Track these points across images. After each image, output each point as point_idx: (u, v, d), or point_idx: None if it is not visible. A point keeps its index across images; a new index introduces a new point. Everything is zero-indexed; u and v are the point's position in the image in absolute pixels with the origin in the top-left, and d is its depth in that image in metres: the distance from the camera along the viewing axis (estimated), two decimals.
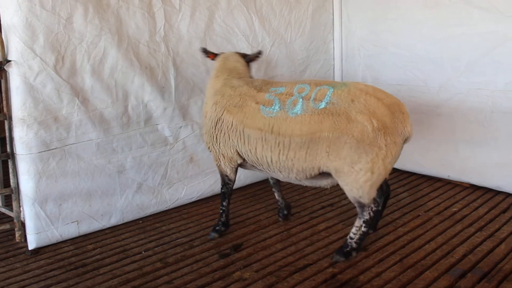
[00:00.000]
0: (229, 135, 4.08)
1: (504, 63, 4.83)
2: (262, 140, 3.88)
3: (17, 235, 4.25)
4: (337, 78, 6.32)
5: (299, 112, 3.75)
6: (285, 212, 4.64)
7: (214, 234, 4.31)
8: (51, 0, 3.92)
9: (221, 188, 4.35)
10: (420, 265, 3.70)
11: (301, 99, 3.79)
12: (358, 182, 3.65)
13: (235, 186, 5.27)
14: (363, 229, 3.81)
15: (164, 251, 4.06)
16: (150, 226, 4.60)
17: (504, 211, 4.67)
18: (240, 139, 4.02)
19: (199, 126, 4.97)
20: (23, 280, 3.64)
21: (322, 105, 3.70)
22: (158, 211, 4.86)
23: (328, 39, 6.24)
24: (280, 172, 3.95)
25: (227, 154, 4.15)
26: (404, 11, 5.60)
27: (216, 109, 4.14)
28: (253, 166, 4.15)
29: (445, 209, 4.78)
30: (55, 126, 4.08)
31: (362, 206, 3.76)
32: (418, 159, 5.75)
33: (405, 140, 3.83)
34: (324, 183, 3.98)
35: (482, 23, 4.93)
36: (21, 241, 4.23)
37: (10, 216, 4.37)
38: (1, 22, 3.90)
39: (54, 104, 4.07)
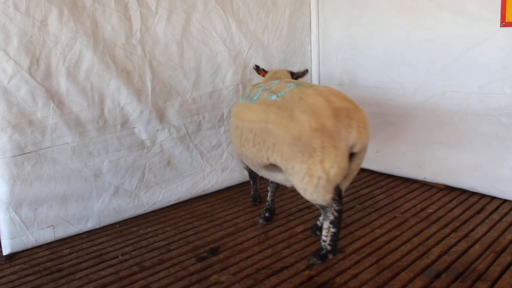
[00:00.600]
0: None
1: (477, 66, 4.91)
2: (232, 126, 4.27)
3: None
4: (315, 81, 6.36)
5: (254, 100, 3.95)
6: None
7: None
8: (25, 2, 3.88)
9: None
10: (396, 266, 3.74)
11: (261, 90, 3.96)
12: (302, 184, 3.61)
13: (212, 189, 5.32)
14: (332, 230, 3.74)
15: (141, 255, 4.03)
16: (127, 230, 4.56)
17: (478, 212, 4.73)
18: (231, 130, 4.34)
19: (176, 129, 4.96)
20: None
21: (274, 97, 3.76)
22: (135, 215, 4.83)
23: (305, 42, 6.27)
24: (247, 159, 4.13)
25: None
26: (379, 14, 5.65)
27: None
28: None
29: (421, 210, 4.83)
30: (30, 129, 4.04)
31: (322, 207, 3.72)
32: (394, 161, 5.81)
33: (356, 150, 3.64)
34: (280, 177, 3.94)
35: (455, 27, 5.00)
36: None
37: None
38: None
39: (29, 107, 4.02)
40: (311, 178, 3.54)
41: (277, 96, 3.75)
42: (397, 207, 4.93)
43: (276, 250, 4.06)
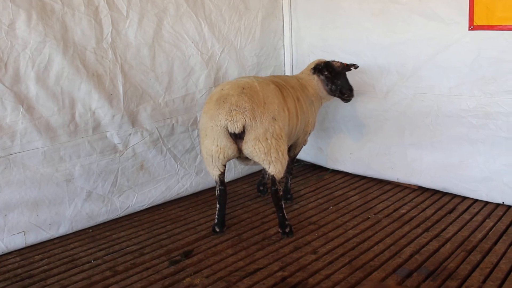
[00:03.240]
0: None
1: (447, 68, 4.99)
2: None
3: None
4: None
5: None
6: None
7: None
8: None
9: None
10: (369, 266, 3.78)
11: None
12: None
13: (186, 193, 5.30)
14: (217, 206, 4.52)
15: (114, 260, 4.00)
16: (100, 234, 4.52)
17: (450, 212, 4.81)
18: None
19: (148, 133, 4.94)
20: None
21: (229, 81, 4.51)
22: (108, 219, 4.78)
23: (279, 46, 6.30)
24: None
25: None
26: (352, 18, 5.70)
27: None
28: None
29: (394, 211, 4.89)
30: None
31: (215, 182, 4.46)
32: (368, 162, 5.87)
33: (230, 128, 4.03)
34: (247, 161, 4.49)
35: (425, 30, 5.07)
36: None
37: None
38: None
39: None
40: (202, 154, 4.40)
41: (232, 80, 4.48)
42: (370, 208, 4.98)
43: (249, 252, 4.07)
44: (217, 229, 4.45)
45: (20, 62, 4.05)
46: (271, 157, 4.13)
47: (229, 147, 4.13)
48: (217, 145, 4.14)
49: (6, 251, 4.12)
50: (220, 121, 4.04)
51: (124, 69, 4.69)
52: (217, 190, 4.42)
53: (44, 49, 4.16)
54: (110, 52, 4.59)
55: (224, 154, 4.17)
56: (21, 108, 4.08)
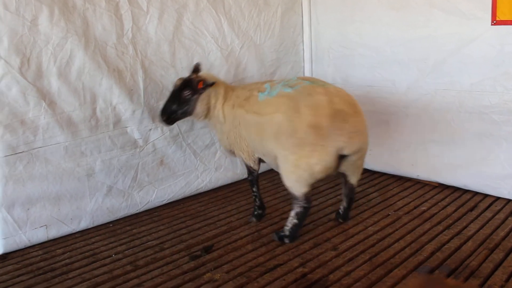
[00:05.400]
0: (240, 127, 4.39)
1: (469, 64, 4.93)
2: (254, 123, 4.22)
3: None
4: None
5: (274, 94, 4.12)
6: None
7: (253, 219, 4.63)
8: (15, 1, 3.85)
9: (248, 177, 4.68)
10: (389, 263, 3.74)
11: (280, 85, 4.18)
12: (286, 172, 4.03)
13: (205, 188, 5.31)
14: (294, 220, 4.12)
15: (134, 254, 4.03)
16: (121, 229, 4.55)
17: (471, 209, 4.75)
18: (245, 127, 4.32)
19: (168, 128, 4.95)
20: None
21: (289, 90, 4.04)
22: (128, 214, 4.82)
23: (298, 41, 6.27)
24: (264, 156, 4.35)
25: (246, 149, 4.47)
26: (370, 13, 5.66)
27: (233, 109, 4.42)
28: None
29: (414, 208, 4.85)
30: (21, 129, 4.02)
31: (294, 197, 4.09)
32: (387, 159, 5.82)
33: (345, 151, 3.86)
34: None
35: (446, 25, 5.02)
36: None
37: None
38: None
39: (20, 107, 4.00)
40: (297, 169, 3.92)
41: (292, 89, 4.05)
42: (390, 205, 4.94)
43: (269, 248, 4.06)
44: (287, 241, 4.16)
45: (43, 58, 4.09)
46: (360, 170, 4.37)
47: (333, 167, 3.94)
48: (324, 166, 3.86)
49: (29, 244, 4.17)
50: (338, 142, 3.80)
51: (145, 64, 4.71)
52: (302, 208, 4.07)
53: (66, 45, 4.19)
54: (130, 48, 4.61)
55: (325, 173, 3.97)
56: (44, 103, 4.11)
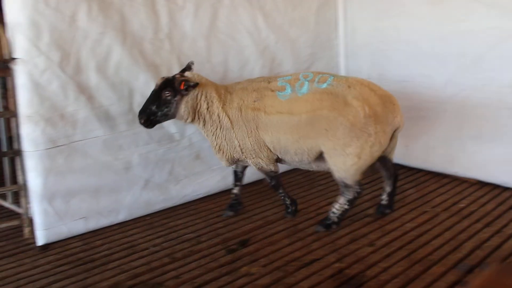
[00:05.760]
0: (258, 133, 4.25)
1: (509, 59, 4.81)
2: (282, 123, 4.13)
3: (26, 231, 4.27)
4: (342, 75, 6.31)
5: (305, 91, 4.05)
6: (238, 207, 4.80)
7: (289, 216, 4.57)
8: None
9: (270, 182, 4.55)
10: (428, 260, 3.69)
11: (307, 82, 4.14)
12: (345, 165, 4.03)
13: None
14: (345, 206, 4.25)
15: (172, 247, 4.08)
16: (158, 222, 4.61)
17: (511, 207, 4.64)
18: (266, 129, 4.20)
19: None
20: (33, 275, 3.68)
21: (324, 85, 4.04)
22: (165, 208, 4.87)
23: (333, 36, 6.23)
24: (296, 155, 4.24)
25: (263, 154, 4.34)
26: (407, 7, 5.58)
27: (242, 114, 4.25)
28: (280, 157, 4.40)
29: (452, 205, 4.76)
30: (61, 123, 4.10)
31: (346, 186, 4.16)
32: (424, 155, 5.74)
33: (396, 130, 4.18)
34: (327, 166, 4.25)
35: (486, 19, 4.91)
36: (30, 237, 4.24)
37: (19, 213, 4.39)
38: (7, 21, 3.90)
39: (60, 102, 4.08)
40: (359, 160, 3.99)
41: (327, 84, 4.06)
42: (428, 202, 4.87)
43: (305, 243, 4.05)
44: (334, 227, 4.29)
45: (82, 53, 4.16)
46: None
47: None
48: (382, 150, 4.11)
49: (69, 235, 4.27)
50: (394, 124, 4.10)
51: (181, 59, 4.74)
52: (356, 193, 4.20)
53: (104, 40, 4.25)
54: (167, 43, 4.65)
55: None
56: (83, 98, 4.18)
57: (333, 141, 3.98)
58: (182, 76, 4.17)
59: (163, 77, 4.15)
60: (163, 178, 4.78)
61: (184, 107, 4.15)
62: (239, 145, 4.32)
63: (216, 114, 4.25)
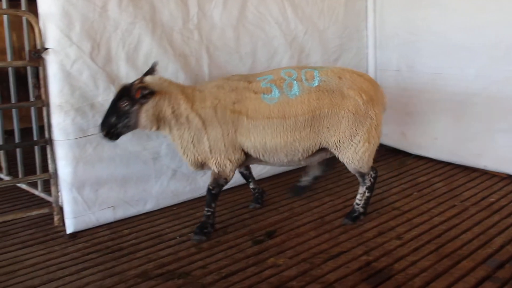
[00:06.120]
0: (236, 136, 3.95)
1: None
2: (271, 128, 3.92)
3: (55, 219, 4.33)
4: (371, 67, 6.26)
5: (297, 92, 3.93)
6: (262, 198, 4.77)
7: (201, 237, 4.01)
8: None
9: (212, 190, 4.08)
10: (457, 254, 3.65)
11: (295, 81, 3.98)
12: (358, 154, 4.07)
13: (267, 174, 5.30)
14: (367, 194, 4.26)
15: None
16: (184, 212, 4.64)
17: None
18: (248, 134, 3.93)
19: None
20: (62, 262, 3.73)
21: (316, 83, 3.97)
22: (192, 198, 4.89)
23: (362, 27, 6.17)
24: (286, 156, 4.07)
25: (235, 157, 4.03)
26: None
27: (217, 114, 3.92)
28: (255, 159, 4.15)
29: (482, 199, 4.70)
30: (91, 112, 4.13)
31: (362, 175, 4.21)
32: (453, 149, 5.66)
33: (385, 110, 4.29)
34: (317, 158, 4.29)
35: None
36: (59, 225, 4.31)
37: (49, 201, 4.46)
38: (39, 11, 3.95)
39: (90, 91, 4.11)
40: (369, 144, 4.06)
41: (318, 81, 3.97)
42: (457, 196, 4.81)
43: (332, 235, 4.04)
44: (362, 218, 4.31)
45: (112, 43, 4.18)
46: None
47: None
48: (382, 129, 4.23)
49: (97, 224, 4.31)
50: (385, 104, 4.26)
51: (209, 50, 4.74)
52: (373, 179, 4.25)
53: (134, 30, 4.27)
54: (196, 33, 4.65)
55: None
56: (112, 88, 4.20)
57: (338, 136, 3.99)
58: (141, 82, 3.80)
59: (122, 85, 3.86)
60: (190, 169, 4.79)
61: (144, 117, 3.79)
62: (209, 146, 3.95)
63: (184, 116, 3.88)
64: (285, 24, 5.28)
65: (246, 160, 4.16)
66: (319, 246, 3.86)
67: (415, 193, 4.91)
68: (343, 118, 3.95)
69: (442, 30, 5.51)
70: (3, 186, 5.00)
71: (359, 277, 3.39)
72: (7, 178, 5.27)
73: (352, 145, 4.03)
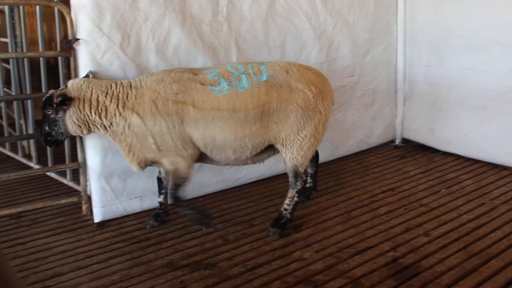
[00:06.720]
0: (184, 127, 3.75)
1: None
2: (221, 120, 3.73)
3: (83, 208, 4.39)
4: (400, 62, 6.17)
5: (246, 86, 3.79)
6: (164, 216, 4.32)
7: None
8: None
9: (175, 193, 3.91)
10: (486, 253, 3.60)
11: (243, 75, 3.85)
12: (303, 149, 3.95)
13: None
14: (295, 199, 4.09)
15: (225, 229, 4.11)
16: (211, 204, 4.65)
17: None
18: (196, 125, 3.74)
19: None
20: (90, 250, 3.78)
21: (264, 77, 3.85)
22: (218, 190, 4.90)
23: (392, 21, 6.09)
24: (234, 153, 3.89)
25: (187, 152, 3.84)
26: None
27: (158, 108, 3.70)
28: (203, 155, 3.95)
29: None
30: None
31: (296, 176, 4.04)
32: (483, 146, 5.55)
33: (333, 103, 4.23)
34: (263, 157, 4.15)
35: None
36: (88, 214, 4.36)
37: (78, 190, 4.52)
38: (71, 2, 3.98)
39: None
40: (315, 140, 3.98)
41: (266, 76, 3.86)
42: (486, 194, 4.73)
43: (359, 230, 4.02)
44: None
45: (142, 34, 4.19)
46: None
47: None
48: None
49: (124, 214, 4.36)
50: (334, 98, 4.21)
51: (238, 42, 4.73)
52: (303, 182, 4.21)
53: (164, 22, 4.28)
54: (225, 25, 4.64)
55: None
56: None
57: (286, 130, 3.87)
58: (61, 89, 3.71)
59: (49, 92, 3.76)
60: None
61: (70, 123, 3.69)
62: (155, 142, 3.76)
63: (117, 116, 3.70)
64: (314, 17, 5.23)
65: (200, 157, 3.98)
66: (346, 240, 3.85)
67: (443, 190, 4.84)
68: (291, 112, 3.83)
69: (474, 25, 5.41)
70: (33, 174, 5.08)
71: (386, 273, 3.37)
72: (37, 166, 5.35)
73: (297, 140, 3.90)
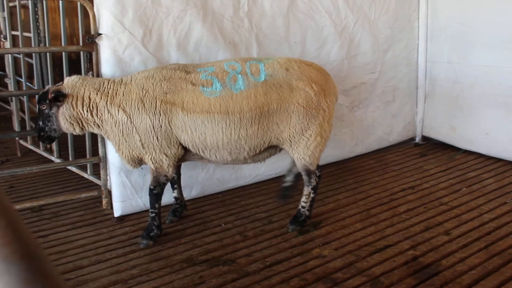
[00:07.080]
0: (170, 128, 3.69)
1: None
2: (211, 123, 3.65)
3: (104, 202, 4.43)
4: (421, 59, 6.10)
5: (242, 87, 3.67)
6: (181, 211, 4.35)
7: (148, 242, 3.83)
8: None
9: (154, 189, 3.86)
10: (507, 253, 3.56)
11: (239, 75, 3.72)
12: (309, 149, 3.88)
13: None
14: (312, 195, 4.08)
15: (243, 225, 4.12)
16: (230, 200, 4.66)
17: None
18: (184, 127, 3.68)
19: None
20: (110, 244, 3.83)
21: (262, 78, 3.72)
22: (237, 186, 4.91)
23: (413, 18, 6.03)
24: (230, 154, 3.82)
25: (171, 151, 3.78)
26: None
27: (145, 106, 3.65)
28: (195, 155, 3.90)
29: None
30: None
31: (309, 173, 4.01)
32: (505, 144, 5.48)
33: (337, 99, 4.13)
34: (265, 156, 4.04)
35: None
36: (108, 208, 4.41)
37: (98, 184, 4.56)
38: None
39: None
40: (321, 138, 3.89)
41: (265, 76, 3.72)
42: (508, 193, 4.67)
43: (378, 228, 4.00)
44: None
45: (163, 29, 4.22)
46: None
47: None
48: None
49: (144, 208, 4.38)
50: (337, 93, 4.11)
51: (259, 38, 4.72)
52: (318, 178, 4.09)
53: (185, 17, 4.29)
54: (246, 21, 4.64)
55: None
56: None
57: (288, 131, 3.78)
58: (57, 85, 3.72)
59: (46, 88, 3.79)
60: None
61: (62, 119, 3.68)
62: (140, 140, 3.71)
63: (106, 112, 3.68)
64: (335, 13, 5.20)
65: (186, 155, 3.91)
66: (365, 238, 3.83)
67: (464, 188, 4.79)
68: (293, 112, 3.73)
69: (497, 21, 5.33)
70: (54, 168, 5.14)
71: (405, 272, 3.35)
72: (58, 160, 5.40)
73: (303, 140, 3.82)
